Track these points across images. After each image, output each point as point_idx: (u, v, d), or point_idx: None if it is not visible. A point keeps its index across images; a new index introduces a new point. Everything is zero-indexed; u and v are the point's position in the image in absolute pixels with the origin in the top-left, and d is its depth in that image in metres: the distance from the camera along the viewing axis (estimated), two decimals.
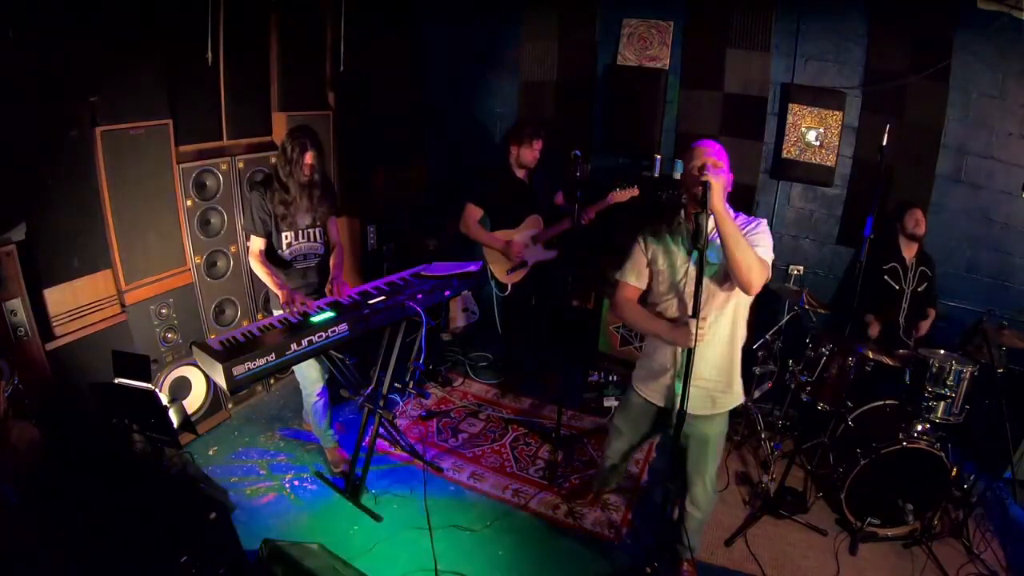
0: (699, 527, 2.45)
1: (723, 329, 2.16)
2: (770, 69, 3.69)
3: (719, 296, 2.11)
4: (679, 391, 2.15)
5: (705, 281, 1.99)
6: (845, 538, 2.81)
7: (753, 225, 2.09)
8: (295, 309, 2.54)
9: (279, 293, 2.63)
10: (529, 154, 3.44)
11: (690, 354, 1.99)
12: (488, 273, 3.66)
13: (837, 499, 2.82)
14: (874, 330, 3.31)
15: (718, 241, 1.99)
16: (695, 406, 2.13)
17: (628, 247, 2.27)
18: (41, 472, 1.99)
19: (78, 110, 2.55)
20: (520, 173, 3.54)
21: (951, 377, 2.71)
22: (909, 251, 3.36)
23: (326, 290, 2.83)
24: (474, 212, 3.50)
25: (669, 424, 2.30)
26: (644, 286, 2.24)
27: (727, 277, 2.05)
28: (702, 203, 1.87)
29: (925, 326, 3.36)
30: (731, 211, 2.02)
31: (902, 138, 3.41)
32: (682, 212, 2.16)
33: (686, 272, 2.12)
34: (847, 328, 3.07)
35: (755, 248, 1.99)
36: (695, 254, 2.04)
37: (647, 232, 2.22)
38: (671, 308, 2.18)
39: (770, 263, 2.02)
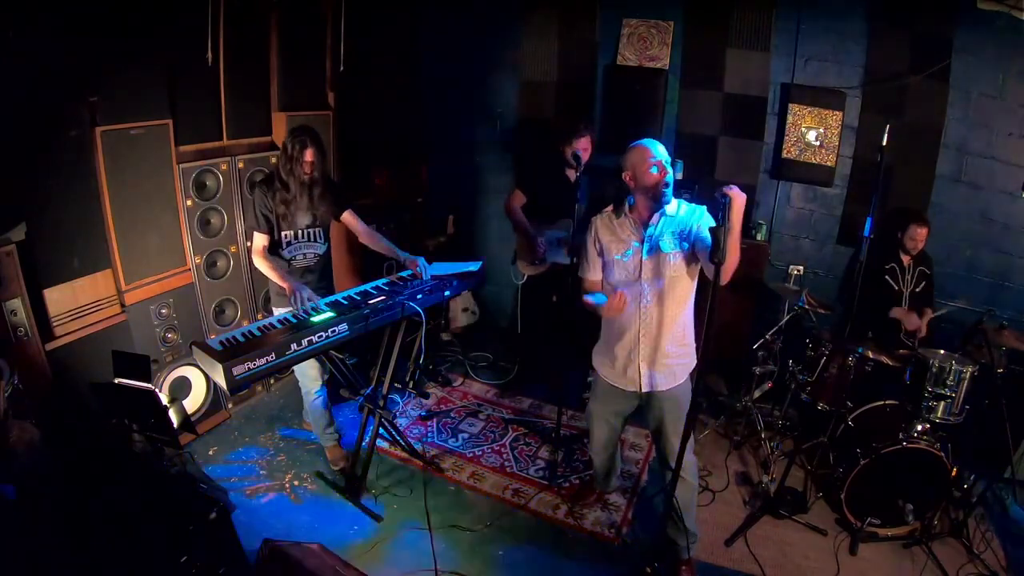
0: (691, 496, 2.45)
1: (680, 310, 2.26)
2: (770, 69, 3.69)
3: (682, 283, 2.22)
4: (643, 375, 2.34)
5: (666, 270, 2.19)
6: (845, 538, 2.81)
7: (707, 216, 2.21)
8: (301, 302, 2.54)
9: (284, 286, 2.63)
10: (572, 153, 3.35)
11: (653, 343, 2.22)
12: (512, 256, 3.74)
13: (837, 499, 2.82)
14: (912, 323, 3.24)
15: (666, 236, 2.19)
16: (661, 383, 2.34)
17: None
18: (41, 472, 1.99)
19: (78, 110, 2.56)
20: (570, 173, 3.48)
21: (951, 377, 2.71)
22: (907, 256, 3.36)
23: (409, 264, 2.87)
24: (519, 197, 3.57)
25: (641, 403, 2.45)
26: (599, 277, 2.38)
27: (689, 265, 2.20)
28: (721, 217, 1.88)
29: (923, 324, 3.36)
30: (675, 201, 2.22)
31: (902, 138, 3.41)
32: (627, 205, 2.27)
33: (639, 262, 2.22)
34: (847, 328, 3.07)
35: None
36: (647, 245, 2.21)
37: (596, 225, 2.34)
38: (632, 292, 2.24)
39: None
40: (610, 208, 2.33)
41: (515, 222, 3.62)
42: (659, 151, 2.16)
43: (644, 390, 2.36)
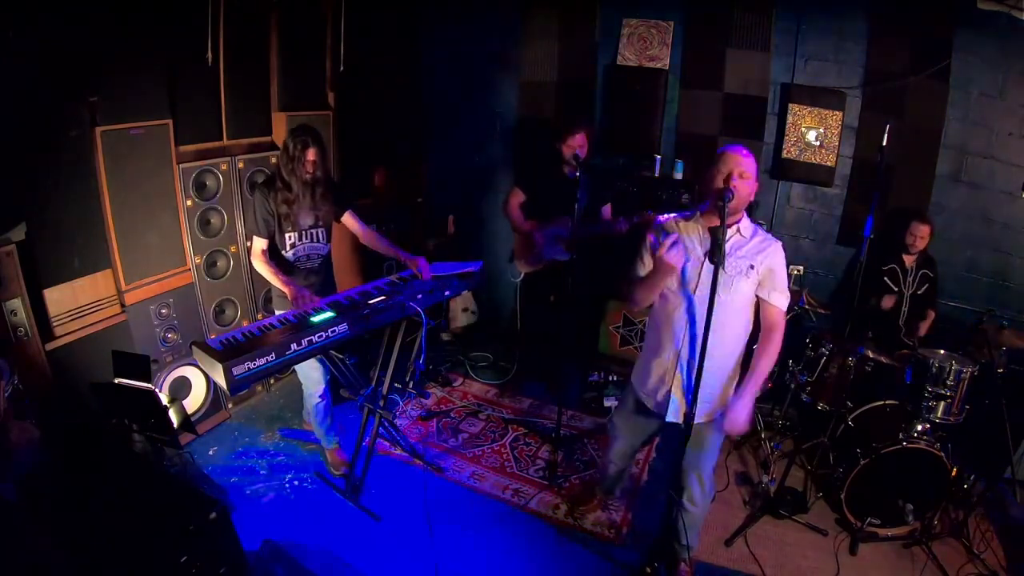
0: (696, 523, 2.42)
1: (730, 344, 2.13)
2: (770, 69, 3.69)
3: (739, 315, 2.09)
4: (679, 401, 2.18)
5: (724, 294, 2.01)
6: (845, 538, 2.81)
7: (780, 258, 2.09)
8: (303, 305, 2.53)
9: (286, 290, 2.62)
10: (568, 151, 3.37)
11: (700, 369, 2.02)
12: (510, 254, 3.74)
13: (837, 499, 2.82)
14: (888, 302, 3.32)
15: (733, 257, 2.03)
16: (697, 414, 2.12)
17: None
18: (41, 472, 1.99)
19: (78, 110, 2.55)
20: (568, 170, 3.45)
21: (951, 377, 2.71)
22: (909, 257, 3.36)
23: (409, 264, 2.85)
24: (518, 196, 3.61)
25: (669, 426, 2.30)
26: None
27: (749, 298, 2.08)
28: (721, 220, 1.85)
29: (924, 327, 3.36)
30: (753, 229, 2.08)
31: (902, 138, 3.41)
32: (698, 211, 2.16)
33: (699, 273, 2.09)
34: (847, 328, 3.07)
35: (773, 292, 2.06)
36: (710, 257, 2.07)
37: (659, 226, 2.20)
38: (681, 306, 2.13)
39: (785, 307, 2.09)
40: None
41: (513, 220, 3.64)
42: (736, 161, 1.98)
43: (668, 419, 2.21)
